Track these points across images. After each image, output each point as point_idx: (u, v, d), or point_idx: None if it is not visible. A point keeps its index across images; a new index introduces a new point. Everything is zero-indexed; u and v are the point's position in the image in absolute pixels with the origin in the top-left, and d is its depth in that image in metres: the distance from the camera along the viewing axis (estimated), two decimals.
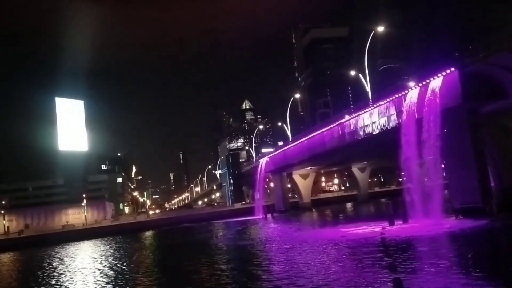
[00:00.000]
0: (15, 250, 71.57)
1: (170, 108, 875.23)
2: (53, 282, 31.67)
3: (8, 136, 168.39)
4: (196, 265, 32.01)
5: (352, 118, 61.65)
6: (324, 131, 71.77)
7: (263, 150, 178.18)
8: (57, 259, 49.11)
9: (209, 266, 30.40)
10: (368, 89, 59.61)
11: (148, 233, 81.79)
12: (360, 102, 63.52)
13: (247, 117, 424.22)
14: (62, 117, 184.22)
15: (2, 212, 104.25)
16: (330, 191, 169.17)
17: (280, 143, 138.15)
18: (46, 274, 36.82)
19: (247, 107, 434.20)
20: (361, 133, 58.71)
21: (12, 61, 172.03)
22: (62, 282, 31.04)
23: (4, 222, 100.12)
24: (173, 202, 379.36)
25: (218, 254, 37.50)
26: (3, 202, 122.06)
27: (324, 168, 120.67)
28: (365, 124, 57.42)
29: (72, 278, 32.84)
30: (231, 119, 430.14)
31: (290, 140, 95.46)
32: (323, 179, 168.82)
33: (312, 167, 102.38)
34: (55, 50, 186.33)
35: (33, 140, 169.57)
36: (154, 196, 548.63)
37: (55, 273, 36.63)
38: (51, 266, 41.97)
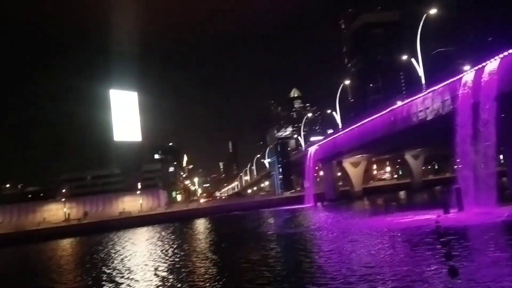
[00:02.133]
0: (75, 236, 75.42)
1: (219, 98, 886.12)
2: (114, 265, 33.16)
3: (68, 127, 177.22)
4: (247, 252, 32.48)
5: (404, 104, 59.99)
6: (375, 117, 70.29)
7: (312, 139, 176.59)
8: (116, 244, 51.37)
9: (260, 254, 30.74)
10: (421, 73, 57.73)
11: (200, 221, 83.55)
12: (412, 88, 61.70)
13: (295, 106, 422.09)
14: (117, 108, 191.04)
15: (63, 200, 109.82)
16: (382, 179, 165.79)
17: (330, 131, 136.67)
18: (106, 258, 38.60)
19: (295, 95, 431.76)
20: (414, 119, 57.05)
21: (70, 55, 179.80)
22: (123, 266, 32.44)
23: (65, 209, 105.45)
24: (223, 190, 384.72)
25: (269, 242, 37.83)
26: (64, 191, 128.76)
27: (376, 156, 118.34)
28: (418, 110, 55.73)
29: (131, 261, 34.26)
30: (279, 108, 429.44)
31: (340, 127, 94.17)
32: (374, 167, 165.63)
33: (363, 155, 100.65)
34: (109, 43, 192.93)
35: (91, 131, 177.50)
36: (205, 185, 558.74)
37: (115, 257, 38.37)
38: (111, 251, 43.94)
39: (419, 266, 20.16)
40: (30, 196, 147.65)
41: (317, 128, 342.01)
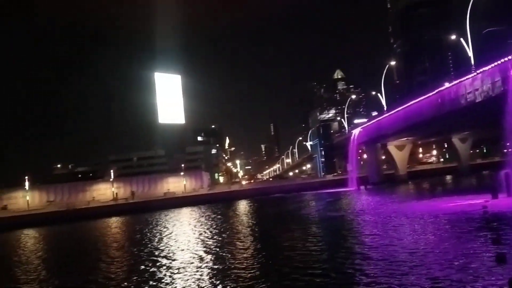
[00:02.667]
0: (122, 215, 78.27)
1: (261, 80, 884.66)
2: (163, 243, 34.35)
3: (116, 111, 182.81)
4: (289, 234, 32.78)
5: (452, 85, 58.07)
6: (422, 99, 68.43)
7: (356, 121, 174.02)
8: (163, 223, 53.05)
9: (301, 236, 30.98)
10: (470, 54, 55.53)
11: (242, 202, 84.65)
12: (461, 68, 59.57)
13: (338, 87, 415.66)
14: (161, 91, 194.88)
15: (111, 180, 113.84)
16: (428, 163, 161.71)
17: (374, 113, 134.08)
18: (155, 236, 39.97)
19: (339, 76, 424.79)
20: (462, 101, 55.18)
21: (119, 42, 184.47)
22: (167, 243, 33.55)
23: (113, 189, 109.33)
24: (264, 173, 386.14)
25: (311, 224, 37.96)
26: (112, 171, 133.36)
27: (422, 139, 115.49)
28: (466, 92, 53.83)
29: (176, 239, 35.35)
30: (322, 90, 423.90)
31: (385, 109, 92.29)
32: (420, 150, 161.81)
33: (409, 138, 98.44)
34: (154, 28, 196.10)
35: (137, 113, 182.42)
36: (246, 167, 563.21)
37: (161, 235, 39.70)
38: (158, 230, 45.43)
39: (466, 252, 19.75)
40: (80, 176, 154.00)
41: (361, 110, 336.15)
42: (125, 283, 21.51)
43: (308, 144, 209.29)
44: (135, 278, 22.27)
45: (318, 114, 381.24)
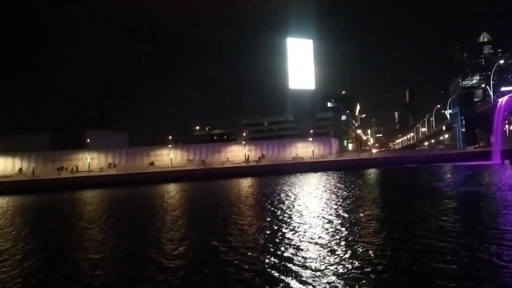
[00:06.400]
0: (253, 176, 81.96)
1: (396, 43, 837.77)
2: (288, 205, 35.42)
3: (248, 75, 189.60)
4: (420, 208, 31.33)
5: None
6: None
7: (503, 89, 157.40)
8: (291, 186, 54.46)
9: (434, 210, 29.40)
10: None
11: (371, 171, 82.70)
12: None
13: (484, 51, 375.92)
14: (293, 57, 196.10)
15: (243, 143, 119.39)
16: None
17: None
18: (282, 197, 41.34)
19: (485, 40, 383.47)
20: None
21: (251, 9, 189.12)
22: (295, 206, 34.43)
23: (245, 151, 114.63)
24: (396, 142, 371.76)
25: (445, 199, 35.66)
26: (244, 134, 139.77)
27: None
28: None
29: (302, 204, 36.08)
30: (465, 54, 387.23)
31: None
32: None
33: None
34: None
35: (268, 78, 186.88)
36: (377, 135, 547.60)
37: (289, 198, 40.89)
38: (290, 193, 46.84)
39: None
40: (215, 138, 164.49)
41: (509, 77, 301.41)
42: (257, 237, 22.62)
43: (447, 112, 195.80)
44: (261, 235, 23.32)
45: (459, 80, 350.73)
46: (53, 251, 23.34)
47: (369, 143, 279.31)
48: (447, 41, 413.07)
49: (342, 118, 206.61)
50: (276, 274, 16.03)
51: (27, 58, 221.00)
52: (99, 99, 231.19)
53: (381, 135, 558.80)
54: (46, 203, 56.97)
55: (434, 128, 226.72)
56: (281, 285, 14.84)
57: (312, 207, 33.69)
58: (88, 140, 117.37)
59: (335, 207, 33.29)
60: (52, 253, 22.68)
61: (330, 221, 26.74)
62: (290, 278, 15.44)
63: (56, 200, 59.84)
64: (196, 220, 31.95)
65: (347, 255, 18.07)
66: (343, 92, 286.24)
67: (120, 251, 22.21)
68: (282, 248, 19.98)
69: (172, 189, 64.58)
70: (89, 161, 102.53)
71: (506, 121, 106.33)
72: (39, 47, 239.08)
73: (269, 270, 16.67)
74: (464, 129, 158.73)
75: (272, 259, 18.18)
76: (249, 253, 19.50)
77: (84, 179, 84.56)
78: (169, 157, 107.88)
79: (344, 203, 35.63)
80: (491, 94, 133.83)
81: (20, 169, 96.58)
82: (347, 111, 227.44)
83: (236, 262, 18.05)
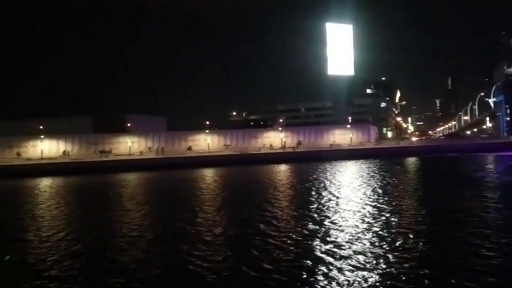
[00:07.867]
0: (289, 162, 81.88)
1: (439, 29, 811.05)
2: (331, 192, 35.34)
3: (286, 62, 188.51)
4: (460, 197, 30.61)
5: None
6: None
7: None
8: (327, 173, 54.18)
9: (475, 200, 28.70)
10: None
11: (410, 159, 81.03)
12: None
13: None
14: (331, 42, 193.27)
15: (280, 129, 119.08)
16: None
17: None
18: (323, 186, 41.23)
19: None
20: None
21: None
22: (332, 194, 34.31)
23: (281, 137, 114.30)
24: (437, 130, 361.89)
25: (486, 190, 34.53)
26: (281, 120, 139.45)
27: None
28: None
29: (341, 192, 35.90)
30: (510, 40, 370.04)
31: None
32: None
33: None
34: None
35: (305, 64, 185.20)
36: (417, 123, 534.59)
37: (326, 184, 40.78)
38: (321, 179, 46.69)
39: None
40: (252, 123, 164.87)
41: None
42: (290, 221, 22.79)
43: (491, 100, 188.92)
44: (295, 221, 23.46)
45: (505, 67, 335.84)
46: (108, 229, 24.40)
47: (409, 131, 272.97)
48: (493, 27, 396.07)
49: (382, 105, 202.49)
50: (331, 259, 16.51)
51: (73, 43, 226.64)
52: (140, 85, 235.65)
53: (421, 122, 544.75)
54: (93, 184, 58.89)
55: (477, 116, 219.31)
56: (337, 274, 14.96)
57: (355, 197, 33.39)
58: (128, 124, 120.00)
59: (383, 195, 32.81)
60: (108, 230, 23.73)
61: (380, 209, 26.69)
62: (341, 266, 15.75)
63: (103, 181, 61.46)
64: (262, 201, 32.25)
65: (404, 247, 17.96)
66: (383, 78, 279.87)
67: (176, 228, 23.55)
68: (335, 235, 20.20)
69: (210, 174, 65.44)
70: (130, 145, 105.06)
71: None
72: (83, 32, 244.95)
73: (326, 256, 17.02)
74: (508, 118, 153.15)
75: (328, 246, 18.62)
76: (293, 236, 20.10)
77: (125, 162, 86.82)
78: (206, 142, 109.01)
79: (381, 189, 35.27)
80: None
81: (64, 151, 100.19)
82: (387, 98, 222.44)
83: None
